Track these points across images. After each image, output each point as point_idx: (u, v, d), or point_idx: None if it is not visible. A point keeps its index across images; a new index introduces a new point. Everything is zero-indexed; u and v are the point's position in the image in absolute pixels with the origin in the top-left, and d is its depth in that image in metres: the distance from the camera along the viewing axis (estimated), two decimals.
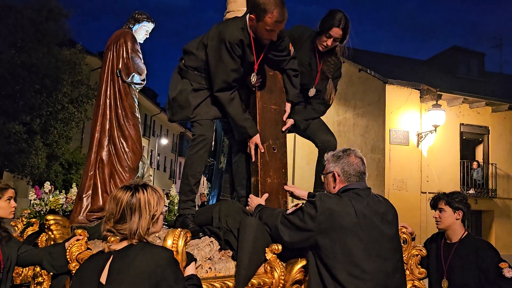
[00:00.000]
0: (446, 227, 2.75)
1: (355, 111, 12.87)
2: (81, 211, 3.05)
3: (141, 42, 3.61)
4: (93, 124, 3.30)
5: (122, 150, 3.23)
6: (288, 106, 2.88)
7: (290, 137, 2.97)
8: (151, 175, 3.70)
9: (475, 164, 12.87)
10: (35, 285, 2.81)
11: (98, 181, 3.13)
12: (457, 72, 14.73)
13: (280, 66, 2.85)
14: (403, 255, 2.35)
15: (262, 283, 2.15)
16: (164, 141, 32.82)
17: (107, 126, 3.24)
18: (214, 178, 3.70)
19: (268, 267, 2.19)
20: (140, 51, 3.48)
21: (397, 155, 11.67)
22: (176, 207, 3.65)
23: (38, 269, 2.77)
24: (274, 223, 2.15)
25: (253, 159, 2.71)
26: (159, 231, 1.74)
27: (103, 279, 1.53)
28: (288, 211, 2.12)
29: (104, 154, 3.20)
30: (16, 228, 3.63)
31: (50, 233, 2.71)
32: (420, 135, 11.92)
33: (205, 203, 5.50)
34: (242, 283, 2.08)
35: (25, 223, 3.56)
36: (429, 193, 11.03)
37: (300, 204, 2.10)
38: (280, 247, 2.17)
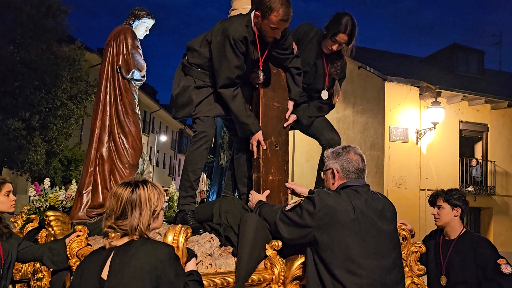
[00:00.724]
0: (444, 224, 2.77)
1: (355, 108, 12.87)
2: (81, 207, 3.06)
3: (141, 38, 3.61)
4: (93, 121, 3.30)
5: (122, 146, 3.24)
6: (290, 104, 2.89)
7: (289, 134, 2.98)
8: (150, 172, 3.70)
9: (474, 162, 12.89)
10: (35, 281, 2.82)
11: (98, 177, 3.14)
12: (456, 70, 14.73)
13: (284, 64, 2.85)
14: (402, 252, 2.36)
15: (262, 279, 2.16)
16: (163, 138, 32.79)
17: (107, 123, 3.24)
18: (214, 175, 3.70)
19: (268, 263, 2.20)
20: (140, 48, 3.47)
21: (396, 152, 11.69)
22: (175, 204, 3.66)
23: (38, 265, 2.78)
24: (273, 219, 2.16)
25: (255, 156, 2.72)
26: (159, 227, 1.75)
27: (104, 274, 1.54)
28: (287, 208, 2.12)
29: (104, 151, 3.20)
30: (16, 224, 3.64)
31: (50, 229, 2.71)
32: (419, 132, 11.94)
33: (205, 200, 5.50)
34: (242, 279, 2.09)
35: (24, 219, 3.56)
36: (428, 190, 11.06)
37: (299, 201, 2.11)
38: (280, 243, 2.18)
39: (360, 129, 12.64)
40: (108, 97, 3.28)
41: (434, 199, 2.81)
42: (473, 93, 12.40)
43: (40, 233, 2.95)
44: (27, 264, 3.06)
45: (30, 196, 3.69)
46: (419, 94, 12.06)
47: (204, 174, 3.88)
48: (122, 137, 3.26)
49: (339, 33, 2.78)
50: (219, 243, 2.36)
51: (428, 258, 2.79)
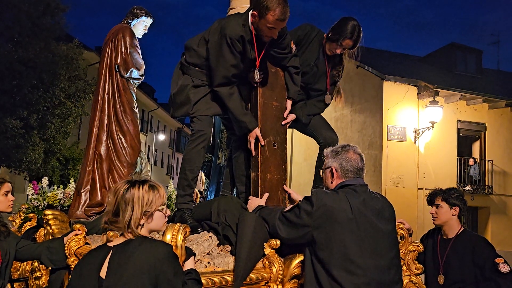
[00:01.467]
0: (442, 223, 2.77)
1: (353, 107, 12.88)
2: (79, 206, 3.06)
3: (140, 37, 3.60)
4: (91, 119, 3.30)
5: (121, 145, 3.23)
6: (289, 103, 2.90)
7: (287, 133, 2.99)
8: (149, 171, 3.70)
9: (471, 161, 12.92)
10: (33, 280, 2.82)
11: (97, 176, 3.13)
12: (454, 69, 14.75)
13: (282, 63, 2.86)
14: (400, 251, 2.36)
15: (260, 278, 2.17)
16: (161, 137, 32.76)
17: (106, 121, 3.24)
18: (212, 173, 3.71)
19: (267, 262, 2.21)
20: (139, 46, 3.47)
21: (394, 151, 11.71)
22: (173, 203, 3.66)
23: (36, 263, 2.77)
24: (272, 221, 2.16)
25: (253, 153, 2.72)
26: (159, 229, 1.74)
27: (103, 273, 1.55)
28: (286, 209, 2.13)
29: (103, 149, 3.19)
30: (14, 223, 3.63)
31: (48, 228, 2.71)
32: (417, 132, 11.95)
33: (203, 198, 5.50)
34: (240, 277, 2.09)
35: (23, 218, 3.55)
36: (426, 189, 11.08)
37: (297, 202, 2.12)
38: (278, 242, 2.19)
39: (358, 128, 12.65)
40: (106, 96, 3.28)
41: (433, 198, 2.82)
42: (471, 93, 12.42)
43: (38, 232, 2.94)
44: (25, 263, 3.06)
45: (28, 195, 3.68)
46: (417, 93, 12.08)
47: (202, 173, 3.88)
48: (121, 136, 3.26)
49: (345, 38, 2.84)
50: (218, 241, 2.36)
51: (426, 257, 2.79)
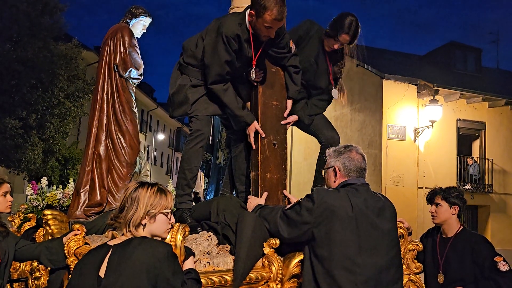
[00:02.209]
0: (442, 221, 2.77)
1: (352, 106, 12.87)
2: (78, 206, 3.05)
3: (139, 36, 3.60)
4: (90, 119, 3.29)
5: (120, 145, 3.23)
6: (289, 102, 2.89)
7: (287, 132, 2.99)
8: (148, 170, 3.71)
9: (470, 161, 12.93)
10: (32, 280, 2.82)
11: (96, 176, 3.13)
12: (454, 68, 14.74)
13: (281, 63, 2.85)
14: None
15: (260, 277, 2.16)
16: (161, 137, 32.74)
17: (105, 121, 3.24)
18: (212, 173, 3.71)
19: (266, 261, 2.20)
20: (138, 46, 3.46)
21: (394, 150, 11.70)
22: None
23: (35, 264, 2.77)
24: (273, 220, 2.16)
25: (254, 147, 2.72)
26: (162, 235, 1.73)
27: (102, 272, 1.55)
28: (287, 207, 2.14)
29: (102, 149, 3.19)
30: (13, 223, 3.63)
31: (47, 228, 2.70)
32: (417, 131, 11.95)
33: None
34: (240, 277, 2.09)
35: (22, 218, 3.55)
36: (425, 188, 11.07)
37: (299, 200, 2.12)
38: (277, 241, 2.18)
39: (358, 127, 12.65)
40: (105, 96, 3.27)
41: (432, 196, 2.82)
42: (470, 91, 12.41)
43: (37, 232, 2.94)
44: (24, 263, 3.06)
45: (27, 195, 3.68)
46: (417, 92, 12.07)
47: (202, 172, 3.88)
48: (120, 136, 3.25)
49: (342, 33, 2.82)
50: (217, 241, 2.36)
51: (426, 256, 2.79)
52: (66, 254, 2.25)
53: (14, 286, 3.14)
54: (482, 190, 12.89)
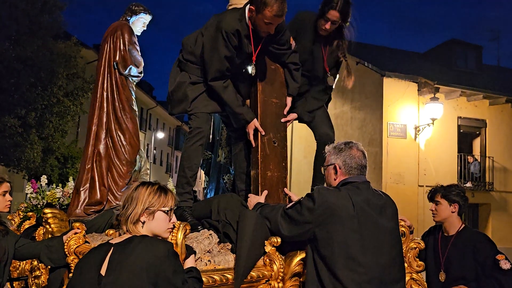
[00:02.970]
0: (442, 219, 2.76)
1: (353, 104, 12.85)
2: (78, 205, 3.04)
3: (138, 34, 3.58)
4: (90, 117, 3.28)
5: (120, 143, 3.21)
6: (289, 100, 2.87)
7: (287, 130, 2.96)
8: (148, 169, 3.69)
9: (470, 158, 12.92)
10: (32, 279, 2.81)
11: (96, 174, 3.12)
12: (454, 65, 14.71)
13: (281, 60, 2.83)
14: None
15: (261, 276, 2.15)
16: (160, 135, 32.73)
17: (104, 119, 3.22)
18: (212, 171, 3.69)
19: (267, 260, 2.19)
20: (137, 44, 3.45)
21: (394, 148, 11.69)
22: None
23: (35, 262, 2.76)
24: (274, 218, 2.15)
25: (253, 145, 2.70)
26: (162, 234, 1.72)
27: (103, 271, 1.54)
28: (288, 206, 2.12)
29: (101, 147, 3.18)
30: (13, 222, 3.62)
31: (47, 226, 2.69)
32: (417, 128, 11.94)
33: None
34: (241, 275, 2.08)
35: (21, 216, 3.54)
36: (426, 186, 11.06)
37: (299, 198, 2.11)
38: (279, 239, 2.17)
39: (358, 125, 12.63)
40: (105, 94, 3.26)
41: (433, 194, 2.81)
42: (471, 89, 12.39)
43: (37, 231, 2.93)
44: (24, 262, 3.05)
45: (27, 194, 3.67)
46: (418, 90, 12.05)
47: (202, 170, 3.87)
48: (120, 134, 3.24)
49: (330, 9, 2.70)
50: (218, 240, 2.35)
51: (427, 254, 2.79)
52: (66, 252, 2.25)
53: (14, 285, 3.14)
54: (483, 188, 12.88)
